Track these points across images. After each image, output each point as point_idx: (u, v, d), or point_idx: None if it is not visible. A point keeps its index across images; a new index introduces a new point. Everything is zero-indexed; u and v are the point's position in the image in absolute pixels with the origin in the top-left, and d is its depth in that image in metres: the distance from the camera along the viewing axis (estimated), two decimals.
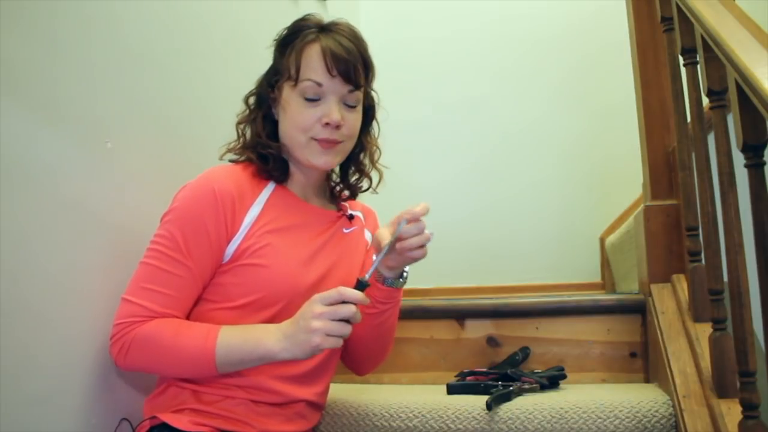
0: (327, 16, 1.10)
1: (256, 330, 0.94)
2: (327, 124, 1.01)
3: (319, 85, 1.01)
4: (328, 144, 1.03)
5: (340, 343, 0.89)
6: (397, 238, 0.95)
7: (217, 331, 0.94)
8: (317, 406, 1.09)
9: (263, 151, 1.06)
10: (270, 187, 1.06)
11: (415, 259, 0.99)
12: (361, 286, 0.90)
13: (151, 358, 0.95)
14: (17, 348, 0.87)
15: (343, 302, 0.88)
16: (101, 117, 1.06)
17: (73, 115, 1.00)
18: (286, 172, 1.08)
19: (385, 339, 1.13)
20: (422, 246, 0.97)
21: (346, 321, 0.88)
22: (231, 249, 0.99)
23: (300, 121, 1.02)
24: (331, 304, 0.88)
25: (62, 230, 0.96)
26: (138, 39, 1.17)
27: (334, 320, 0.87)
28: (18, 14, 0.90)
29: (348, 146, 1.08)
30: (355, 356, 1.16)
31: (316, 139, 1.02)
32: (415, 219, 0.95)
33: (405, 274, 1.05)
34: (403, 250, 0.96)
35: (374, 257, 0.97)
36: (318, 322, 0.86)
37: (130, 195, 1.11)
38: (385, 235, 0.96)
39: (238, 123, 1.11)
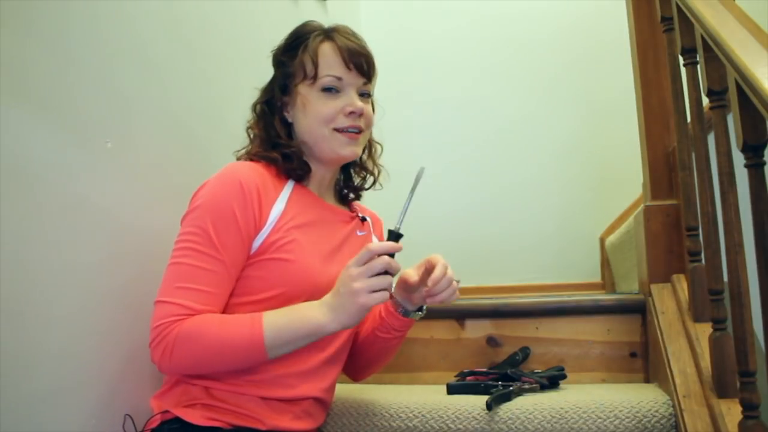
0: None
1: (299, 309, 0.95)
2: (351, 112, 1.05)
3: (339, 78, 1.06)
4: (353, 135, 1.07)
5: (386, 296, 0.91)
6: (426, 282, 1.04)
7: (260, 317, 0.94)
8: (324, 403, 1.09)
9: (287, 150, 1.07)
10: (290, 184, 1.08)
11: (444, 302, 1.06)
12: (393, 236, 0.93)
13: (198, 354, 0.93)
14: (17, 347, 0.87)
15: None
16: (101, 117, 1.06)
17: (73, 115, 1.00)
18: (309, 170, 1.10)
19: (389, 356, 1.19)
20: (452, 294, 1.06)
21: (385, 272, 0.91)
22: (257, 242, 1.00)
23: (323, 114, 1.05)
24: (365, 263, 0.90)
25: (63, 230, 0.96)
26: (138, 39, 1.17)
27: (372, 276, 0.89)
28: (18, 14, 0.90)
29: (367, 136, 1.12)
30: (356, 365, 1.20)
31: (338, 130, 1.06)
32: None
33: (424, 307, 1.13)
34: (434, 300, 1.04)
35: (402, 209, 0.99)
36: (358, 283, 0.89)
37: (130, 195, 1.11)
38: (412, 275, 1.06)
39: (249, 128, 1.13)
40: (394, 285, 1.04)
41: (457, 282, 1.06)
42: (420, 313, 1.12)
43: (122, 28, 1.13)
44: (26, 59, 0.91)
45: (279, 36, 1.14)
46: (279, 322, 0.93)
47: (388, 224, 1.26)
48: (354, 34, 1.10)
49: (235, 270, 0.98)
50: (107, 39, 1.09)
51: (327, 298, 0.94)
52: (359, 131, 1.07)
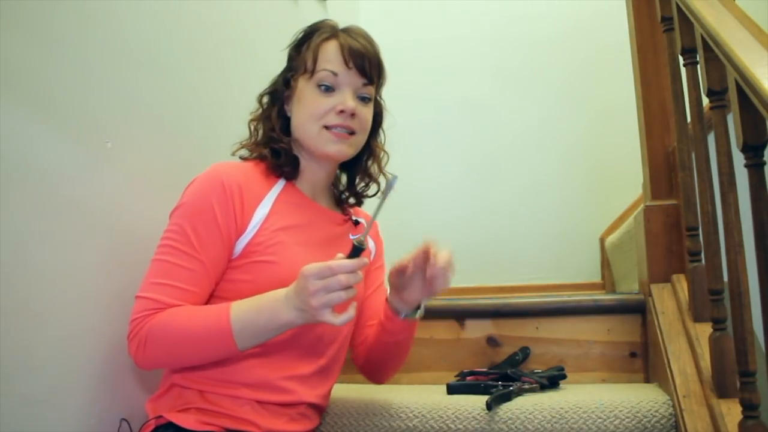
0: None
1: (268, 302, 0.92)
2: (342, 111, 1.04)
3: (335, 74, 1.04)
4: (342, 134, 1.05)
5: (349, 317, 0.88)
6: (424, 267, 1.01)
7: (228, 308, 0.93)
8: (319, 408, 1.09)
9: (276, 145, 1.07)
10: (280, 184, 1.07)
11: (436, 293, 1.04)
12: (356, 251, 0.88)
13: (169, 347, 0.94)
14: (17, 348, 0.87)
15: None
16: (101, 117, 1.06)
17: (73, 115, 1.00)
18: (297, 168, 1.09)
19: (402, 355, 1.17)
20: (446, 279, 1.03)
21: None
22: (241, 245, 0.99)
23: (314, 109, 1.04)
24: (325, 277, 0.86)
25: (62, 230, 0.96)
26: (138, 39, 1.17)
27: (330, 293, 0.86)
28: (18, 14, 0.90)
29: (361, 139, 1.09)
30: (373, 369, 1.20)
31: (328, 128, 1.04)
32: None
33: (422, 305, 1.09)
34: (432, 279, 1.01)
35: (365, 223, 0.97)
36: (315, 300, 0.85)
37: (130, 195, 1.12)
38: (405, 260, 1.03)
39: (251, 120, 1.13)
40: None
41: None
42: (419, 311, 1.09)
43: (122, 29, 1.13)
44: (26, 59, 0.91)
45: (279, 36, 1.14)
46: (247, 316, 0.92)
47: (383, 225, 1.26)
48: (366, 38, 1.09)
49: (214, 269, 0.98)
50: (107, 39, 1.09)
51: (292, 295, 0.89)
52: (351, 132, 1.06)
